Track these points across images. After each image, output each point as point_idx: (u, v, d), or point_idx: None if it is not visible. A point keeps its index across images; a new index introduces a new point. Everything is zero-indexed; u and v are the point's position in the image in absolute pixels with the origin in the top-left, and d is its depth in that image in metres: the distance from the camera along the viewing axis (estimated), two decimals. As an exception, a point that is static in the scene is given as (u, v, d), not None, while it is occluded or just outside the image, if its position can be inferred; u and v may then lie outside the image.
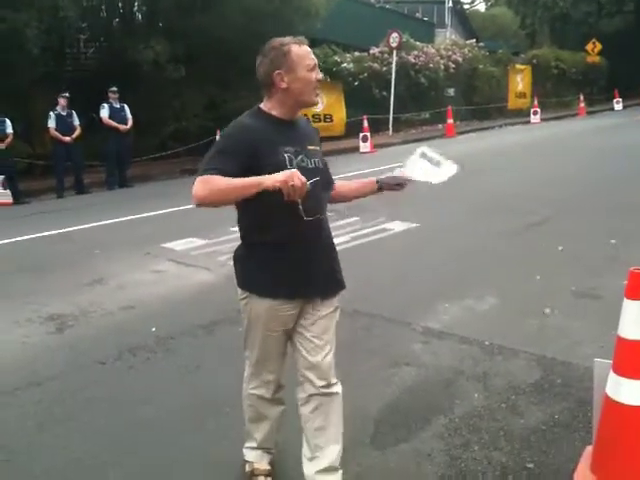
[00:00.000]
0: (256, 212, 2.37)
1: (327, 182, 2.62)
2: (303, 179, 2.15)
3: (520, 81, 24.99)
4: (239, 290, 2.53)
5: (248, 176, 2.21)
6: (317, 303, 2.53)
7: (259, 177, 2.18)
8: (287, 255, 2.41)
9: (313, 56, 2.42)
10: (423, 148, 2.71)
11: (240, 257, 2.54)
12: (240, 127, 2.38)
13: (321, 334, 2.54)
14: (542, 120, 22.08)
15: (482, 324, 4.50)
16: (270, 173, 2.20)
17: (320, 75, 2.45)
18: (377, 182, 2.74)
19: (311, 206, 2.33)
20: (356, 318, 4.65)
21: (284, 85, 2.36)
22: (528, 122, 21.98)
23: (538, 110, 22.28)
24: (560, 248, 6.20)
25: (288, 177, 2.13)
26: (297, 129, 2.48)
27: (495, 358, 3.94)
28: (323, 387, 2.53)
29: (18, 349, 4.43)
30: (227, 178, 2.21)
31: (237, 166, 2.25)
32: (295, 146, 2.40)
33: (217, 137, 14.04)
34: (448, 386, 3.60)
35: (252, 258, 2.48)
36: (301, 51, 2.38)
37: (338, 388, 2.58)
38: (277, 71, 2.36)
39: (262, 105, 2.46)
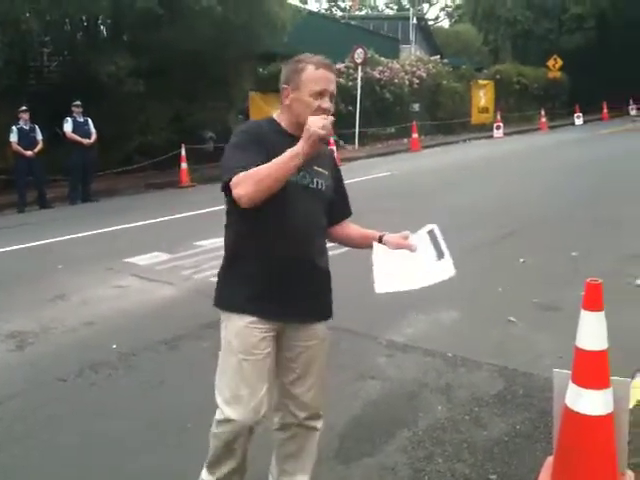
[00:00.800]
0: (245, 219, 2.27)
1: (337, 210, 2.51)
2: (324, 121, 2.10)
3: (483, 96, 25.44)
4: (219, 311, 2.39)
5: None
6: (300, 332, 2.39)
7: (292, 150, 2.10)
8: (270, 270, 2.29)
9: (328, 84, 2.30)
10: (433, 226, 2.47)
11: (220, 273, 2.42)
12: (253, 125, 2.41)
13: (306, 365, 2.41)
14: (505, 134, 22.49)
15: (445, 337, 4.54)
16: None
17: (327, 104, 2.28)
18: (380, 240, 2.49)
19: (300, 221, 2.28)
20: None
21: (287, 101, 2.31)
22: (491, 136, 22.35)
23: (501, 125, 22.70)
24: (522, 260, 6.29)
25: (317, 129, 2.07)
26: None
27: (458, 370, 3.97)
28: (305, 419, 2.45)
29: (-23, 367, 4.33)
30: (261, 166, 2.12)
31: (259, 153, 2.17)
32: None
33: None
34: (412, 399, 3.62)
35: (232, 272, 2.36)
36: (314, 74, 2.26)
37: (320, 423, 2.50)
38: (285, 85, 2.31)
39: (275, 115, 2.41)
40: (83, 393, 3.88)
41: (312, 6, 38.15)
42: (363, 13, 41.97)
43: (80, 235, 8.59)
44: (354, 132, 19.07)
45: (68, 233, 8.62)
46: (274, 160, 2.11)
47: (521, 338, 4.47)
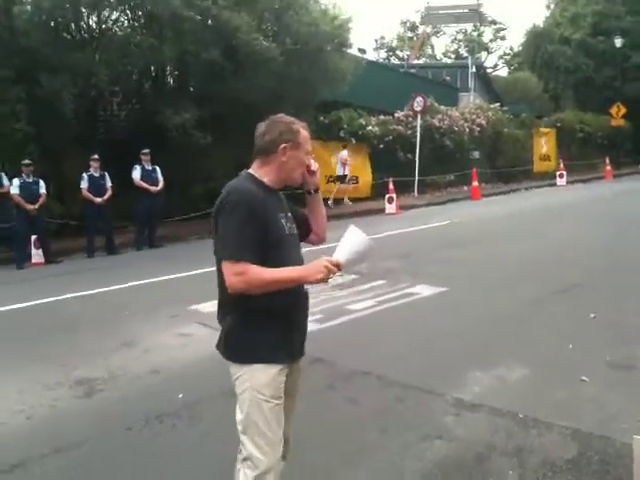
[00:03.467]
0: None
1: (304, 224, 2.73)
2: (331, 267, 2.35)
3: (544, 144, 25.14)
4: (234, 367, 2.48)
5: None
6: (293, 367, 2.60)
7: (297, 274, 2.39)
8: (283, 317, 2.47)
9: (310, 146, 2.60)
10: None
11: (235, 327, 2.48)
12: (247, 195, 2.41)
13: (291, 399, 2.63)
14: (568, 183, 22.10)
15: (514, 395, 4.40)
16: (274, 239, 2.41)
17: (312, 164, 2.60)
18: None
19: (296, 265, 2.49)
20: (386, 387, 4.61)
21: (284, 159, 2.51)
22: (554, 185, 22.00)
23: (564, 173, 22.33)
24: (592, 315, 6.09)
25: (323, 272, 2.35)
26: (279, 196, 2.61)
27: (529, 432, 3.83)
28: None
29: (47, 413, 4.43)
30: (264, 271, 2.34)
31: (260, 240, 2.37)
32: (284, 212, 2.55)
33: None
34: (481, 462, 3.49)
35: (248, 326, 2.45)
36: (306, 135, 2.56)
37: (287, 450, 2.65)
38: (284, 144, 2.50)
39: (252, 171, 2.56)
40: (148, 444, 3.91)
41: (370, 55, 38.74)
42: (421, 62, 42.34)
43: (146, 281, 8.78)
44: (413, 180, 19.08)
45: (134, 279, 8.83)
46: (279, 276, 2.36)
47: (594, 398, 4.29)
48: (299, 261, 2.53)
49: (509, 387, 4.58)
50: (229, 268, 2.34)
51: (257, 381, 2.42)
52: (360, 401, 4.41)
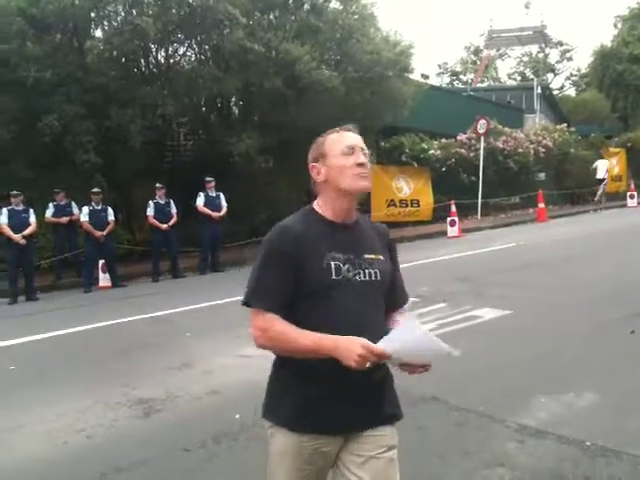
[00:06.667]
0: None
1: (391, 299, 2.24)
2: (368, 356, 1.88)
3: (615, 164, 24.35)
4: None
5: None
6: (362, 440, 2.09)
7: (325, 348, 1.95)
8: (319, 379, 2.04)
9: (354, 139, 2.15)
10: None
11: (269, 381, 2.23)
12: (281, 235, 2.10)
13: None
14: (639, 204, 21.32)
15: (582, 422, 4.20)
16: (313, 285, 2.04)
17: (362, 159, 2.11)
18: None
19: (349, 324, 2.01)
20: (449, 412, 4.49)
21: (321, 178, 2.15)
22: (624, 206, 21.26)
23: (634, 194, 21.56)
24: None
25: (356, 360, 1.88)
26: (352, 233, 2.17)
27: (597, 461, 3.63)
28: None
29: (107, 433, 4.51)
30: (291, 331, 2.00)
31: (286, 287, 2.04)
32: (346, 253, 2.09)
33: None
34: (546, 491, 3.34)
35: (279, 382, 2.17)
36: (336, 137, 2.16)
37: None
38: (311, 164, 2.18)
39: (315, 204, 2.21)
40: (205, 465, 3.92)
41: (433, 81, 38.71)
42: (485, 85, 41.93)
43: (208, 304, 8.90)
44: (476, 202, 18.79)
45: (197, 302, 8.97)
46: (307, 342, 1.97)
47: (668, 427, 4.05)
48: (359, 314, 2.06)
49: (577, 414, 4.37)
50: (253, 319, 2.07)
51: (277, 444, 2.13)
52: (418, 426, 4.29)
